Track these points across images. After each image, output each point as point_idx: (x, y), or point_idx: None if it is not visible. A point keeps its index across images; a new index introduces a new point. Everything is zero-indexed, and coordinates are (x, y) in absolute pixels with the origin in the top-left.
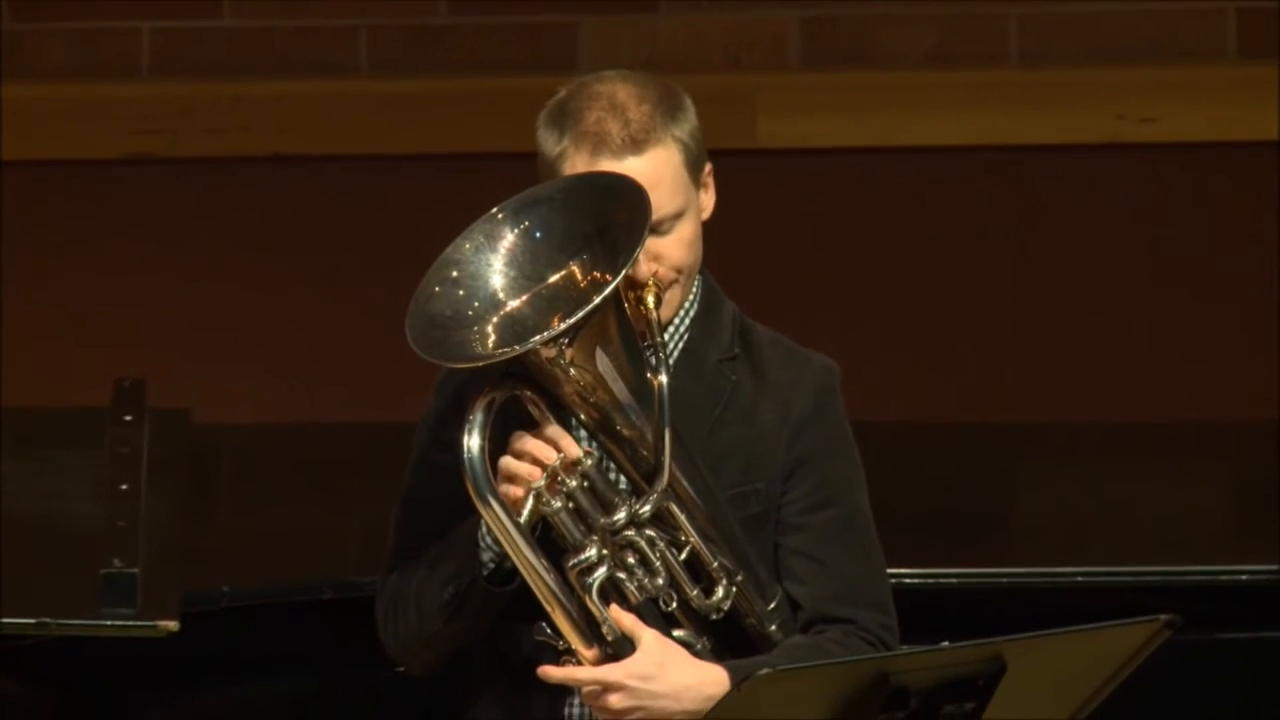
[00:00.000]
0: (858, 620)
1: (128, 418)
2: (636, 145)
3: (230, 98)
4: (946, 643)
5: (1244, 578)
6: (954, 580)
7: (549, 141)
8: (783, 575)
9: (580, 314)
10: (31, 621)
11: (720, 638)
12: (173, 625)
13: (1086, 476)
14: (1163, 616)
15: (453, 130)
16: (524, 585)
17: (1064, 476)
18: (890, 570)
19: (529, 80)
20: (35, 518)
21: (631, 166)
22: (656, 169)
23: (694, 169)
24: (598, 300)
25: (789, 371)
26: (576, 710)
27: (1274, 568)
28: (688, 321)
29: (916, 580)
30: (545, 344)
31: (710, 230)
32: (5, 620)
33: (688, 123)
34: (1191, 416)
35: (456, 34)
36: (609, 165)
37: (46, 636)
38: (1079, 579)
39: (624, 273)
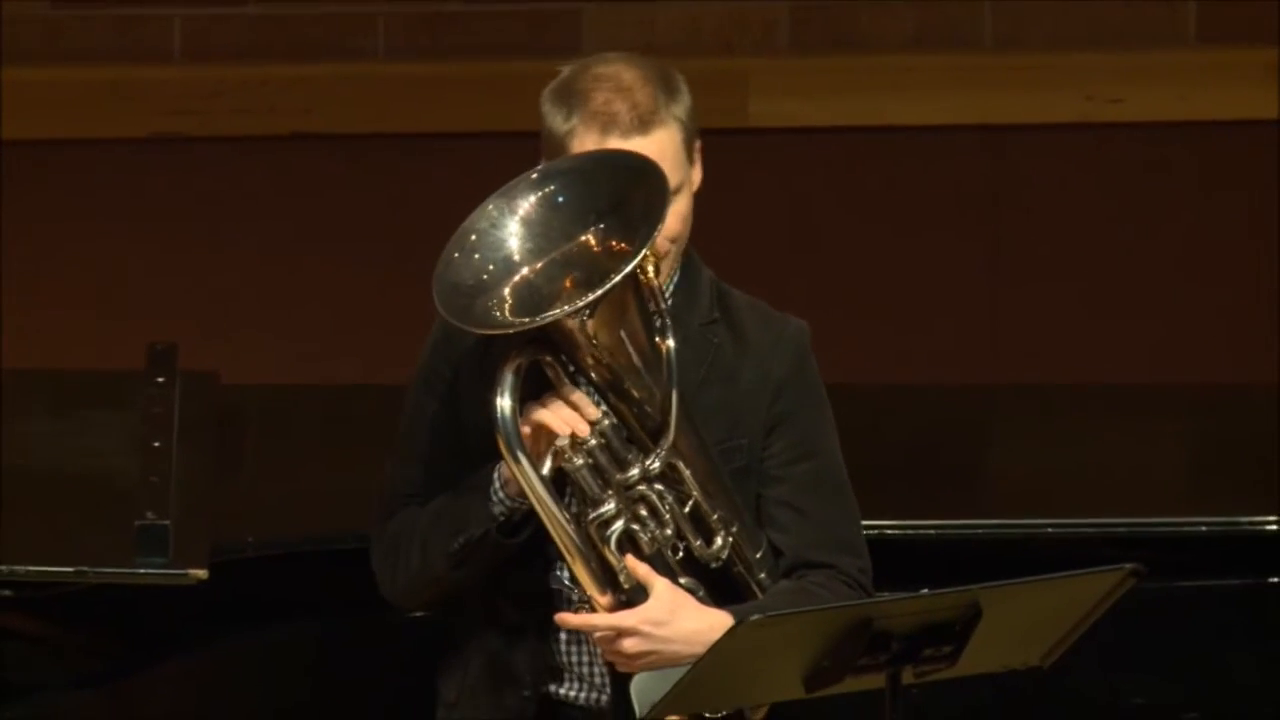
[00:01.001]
0: (837, 565)
1: (160, 380)
2: (644, 125)
3: (256, 80)
4: (926, 590)
5: (1203, 529)
6: (933, 531)
7: (556, 119)
8: (766, 524)
9: (607, 286)
10: (71, 570)
11: (714, 586)
12: (202, 573)
13: (1057, 435)
14: (1128, 565)
15: (464, 111)
16: (529, 538)
17: (1036, 434)
18: (873, 522)
19: (535, 64)
20: (74, 473)
21: (638, 145)
22: (661, 148)
23: (689, 146)
24: (623, 273)
25: (767, 334)
26: (563, 643)
27: (1229, 519)
28: (670, 288)
29: (898, 531)
30: (572, 315)
31: (705, 202)
32: (47, 569)
33: (685, 102)
34: (1154, 379)
35: (468, 20)
36: (617, 144)
37: (85, 584)
38: (1049, 530)
39: (647, 248)
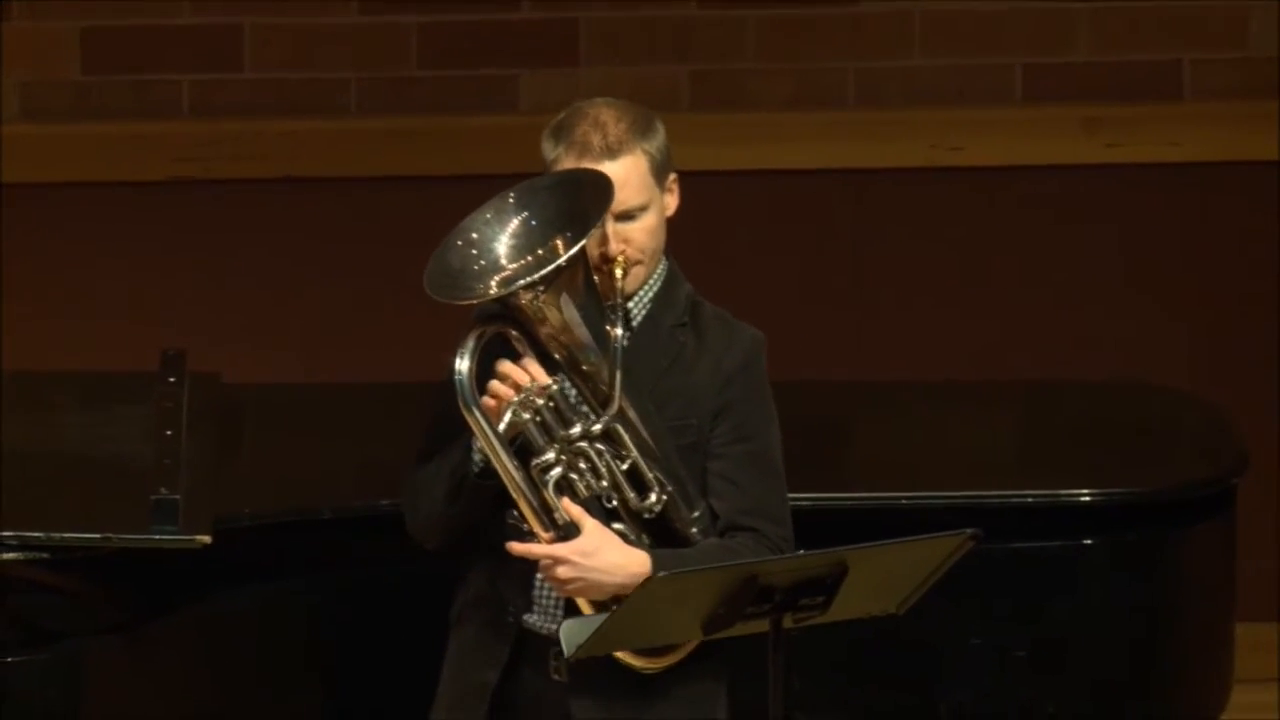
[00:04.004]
0: (761, 530)
1: (172, 380)
2: (611, 153)
3: (251, 133)
4: (803, 551)
5: (1029, 499)
6: (807, 502)
7: (548, 149)
8: (708, 492)
9: (549, 268)
10: (97, 536)
11: (657, 536)
12: (206, 539)
13: (911, 423)
14: (967, 530)
15: (423, 158)
16: (503, 484)
17: (893, 423)
18: None
19: (481, 119)
20: (102, 456)
21: (607, 169)
22: (626, 172)
23: (659, 175)
24: (564, 258)
25: (724, 337)
26: (537, 582)
27: (1051, 492)
28: (651, 294)
29: None
30: (524, 289)
31: None
32: (77, 535)
33: (656, 140)
34: (990, 376)
35: (426, 83)
36: (589, 165)
37: (109, 548)
38: (904, 501)
39: (583, 241)
